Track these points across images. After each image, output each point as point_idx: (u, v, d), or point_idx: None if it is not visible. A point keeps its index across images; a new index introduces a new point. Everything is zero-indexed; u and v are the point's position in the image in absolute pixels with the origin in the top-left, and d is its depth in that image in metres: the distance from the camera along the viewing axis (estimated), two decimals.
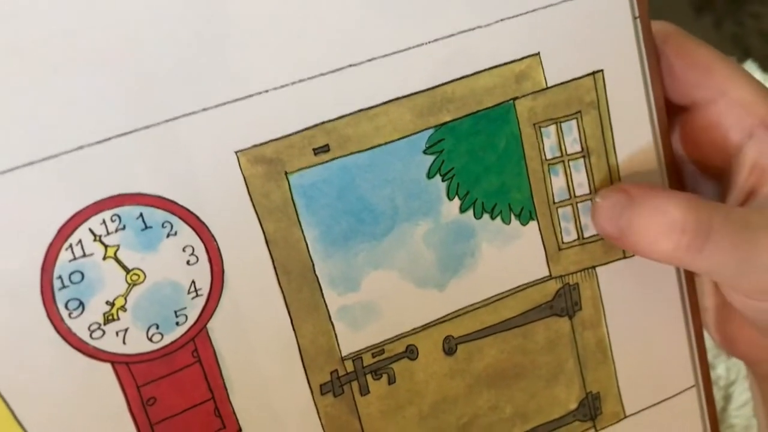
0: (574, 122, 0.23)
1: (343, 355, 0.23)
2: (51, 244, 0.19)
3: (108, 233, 0.20)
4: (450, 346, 0.24)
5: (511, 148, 0.23)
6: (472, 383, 0.24)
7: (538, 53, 0.22)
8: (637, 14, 0.23)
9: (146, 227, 0.20)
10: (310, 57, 0.20)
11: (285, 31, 0.20)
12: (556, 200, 0.24)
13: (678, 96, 0.24)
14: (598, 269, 0.25)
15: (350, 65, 0.21)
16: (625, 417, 0.26)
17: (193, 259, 0.20)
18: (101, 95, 0.19)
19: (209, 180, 0.20)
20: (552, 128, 0.23)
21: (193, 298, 0.21)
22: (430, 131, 0.22)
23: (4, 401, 0.19)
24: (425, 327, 0.23)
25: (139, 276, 0.20)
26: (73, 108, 0.19)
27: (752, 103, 0.23)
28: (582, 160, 0.24)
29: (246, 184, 0.20)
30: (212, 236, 0.20)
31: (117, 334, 0.20)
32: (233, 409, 0.22)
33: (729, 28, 0.63)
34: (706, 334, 0.27)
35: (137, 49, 0.19)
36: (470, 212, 0.23)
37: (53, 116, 0.19)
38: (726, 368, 0.48)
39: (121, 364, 0.20)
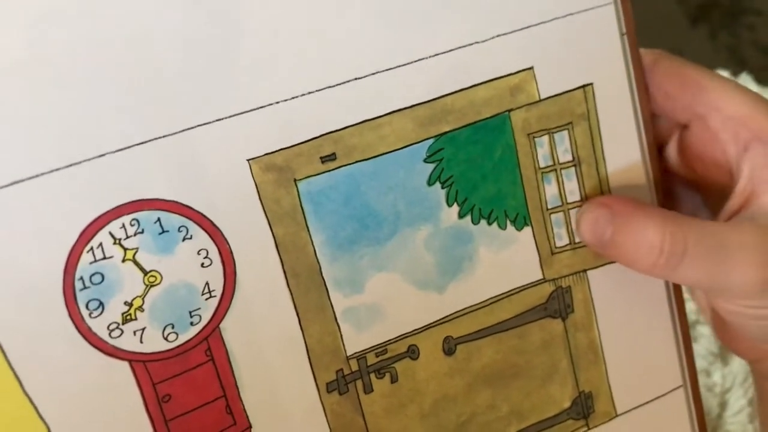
0: (565, 133, 0.25)
1: (348, 354, 0.24)
2: (73, 247, 0.20)
3: (127, 237, 0.21)
4: (449, 347, 0.25)
5: (507, 157, 0.24)
6: (470, 382, 0.25)
7: (532, 67, 0.24)
8: (624, 31, 0.25)
9: (163, 231, 0.21)
10: (318, 70, 0.22)
11: (294, 46, 0.21)
12: (549, 207, 0.25)
13: (675, 115, 0.25)
14: (588, 273, 0.26)
15: (355, 78, 0.22)
16: (617, 416, 0.27)
17: (207, 262, 0.21)
18: (122, 107, 0.20)
19: (223, 186, 0.21)
20: (545, 138, 0.24)
21: (206, 299, 0.22)
22: (431, 141, 0.23)
23: (28, 397, 0.20)
24: (426, 328, 0.24)
25: (156, 278, 0.21)
26: (95, 118, 0.20)
27: (746, 117, 0.24)
28: (573, 168, 0.25)
29: (257, 191, 0.22)
30: (225, 240, 0.21)
31: (135, 333, 0.21)
32: (244, 406, 0.23)
33: (724, 39, 0.64)
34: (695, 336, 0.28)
35: (156, 65, 0.20)
36: (468, 218, 0.24)
37: (77, 126, 0.20)
38: (722, 375, 0.49)
39: (139, 362, 0.21)
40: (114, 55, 0.20)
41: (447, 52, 0.23)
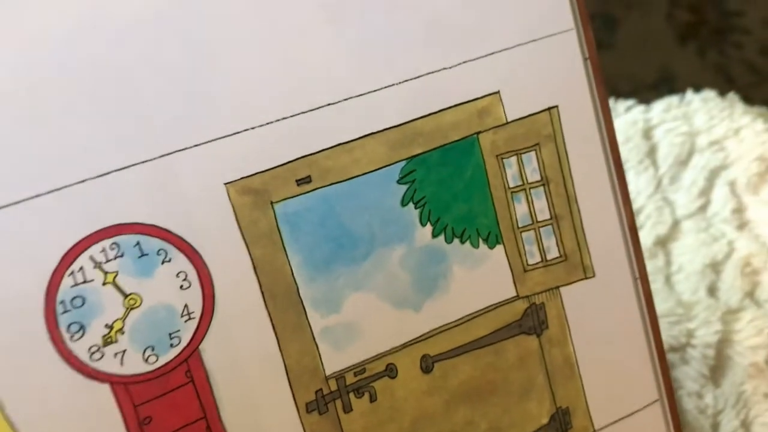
0: (533, 153, 0.25)
1: (327, 374, 0.24)
2: (55, 270, 0.21)
3: (107, 260, 0.21)
4: (427, 365, 0.25)
5: (477, 177, 0.25)
6: (448, 400, 0.26)
7: (498, 91, 0.25)
8: (587, 56, 0.26)
9: (143, 254, 0.21)
10: (292, 96, 0.22)
11: (268, 73, 0.22)
12: (519, 225, 0.26)
13: None
14: (561, 289, 0.26)
15: (329, 104, 0.23)
16: (594, 431, 0.28)
17: (186, 284, 0.22)
18: (101, 133, 0.21)
19: (201, 210, 0.22)
20: (513, 159, 0.25)
21: (186, 320, 0.22)
22: (403, 163, 0.24)
23: (9, 421, 0.21)
24: (403, 346, 0.25)
25: (136, 300, 0.21)
26: (75, 145, 0.20)
27: None
28: (542, 188, 0.26)
29: (235, 214, 0.22)
30: (204, 262, 0.22)
31: (115, 355, 0.21)
32: (224, 427, 0.23)
33: (713, 57, 0.65)
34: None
35: (134, 93, 0.21)
36: (442, 237, 0.25)
37: (58, 153, 0.20)
38: (714, 397, 0.49)
39: (119, 384, 0.22)
40: (93, 83, 0.20)
41: (416, 78, 0.24)
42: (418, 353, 0.25)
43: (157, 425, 0.22)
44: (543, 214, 0.26)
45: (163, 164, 0.21)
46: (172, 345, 0.22)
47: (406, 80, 0.24)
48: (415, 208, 0.24)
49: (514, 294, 0.26)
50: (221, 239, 0.22)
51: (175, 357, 0.22)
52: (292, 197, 0.23)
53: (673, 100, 0.48)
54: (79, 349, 0.21)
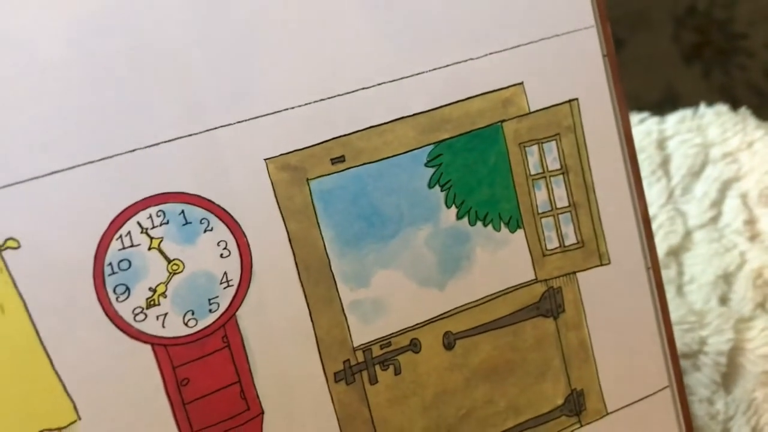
0: (553, 143, 0.27)
1: (355, 346, 0.25)
2: (104, 234, 0.22)
3: (153, 226, 0.22)
4: (449, 341, 0.26)
5: (500, 163, 0.26)
6: (469, 377, 0.27)
7: (522, 83, 0.26)
8: (605, 53, 0.27)
9: (187, 222, 0.23)
10: (329, 79, 0.24)
11: (307, 57, 0.23)
12: (539, 211, 0.27)
13: None
14: (578, 275, 0.28)
15: (363, 88, 0.24)
16: (607, 414, 0.29)
17: (226, 253, 0.23)
18: (152, 106, 0.22)
19: (242, 183, 0.23)
20: (535, 148, 0.27)
21: (224, 287, 0.23)
22: (431, 147, 0.25)
23: (57, 374, 0.22)
24: (427, 323, 0.26)
25: (178, 266, 0.23)
26: (127, 115, 0.22)
27: None
28: (561, 176, 0.27)
29: (273, 188, 0.24)
30: (243, 233, 0.23)
31: (157, 318, 0.23)
32: (257, 392, 0.24)
33: (717, 78, 0.66)
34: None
35: (185, 70, 0.22)
36: (465, 219, 0.26)
37: (110, 122, 0.22)
38: (725, 403, 0.50)
39: (160, 346, 0.23)
40: (149, 59, 0.22)
41: (445, 66, 0.25)
42: (440, 330, 0.26)
43: (194, 387, 0.23)
44: (562, 201, 0.27)
45: (208, 138, 0.23)
46: (210, 310, 0.23)
47: (436, 69, 0.25)
48: (441, 190, 0.26)
49: (533, 277, 0.27)
50: (260, 212, 0.23)
51: (214, 322, 0.23)
52: (326, 175, 0.24)
53: (686, 112, 0.50)
54: (124, 310, 0.22)
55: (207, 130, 0.23)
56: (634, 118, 0.50)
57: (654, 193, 0.47)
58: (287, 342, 0.24)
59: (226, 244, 0.23)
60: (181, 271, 0.23)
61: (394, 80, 0.25)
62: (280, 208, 0.24)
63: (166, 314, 0.23)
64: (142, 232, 0.22)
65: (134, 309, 0.22)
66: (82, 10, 0.21)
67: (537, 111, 0.26)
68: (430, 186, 0.25)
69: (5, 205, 0.21)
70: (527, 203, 0.27)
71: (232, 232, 0.23)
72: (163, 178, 0.22)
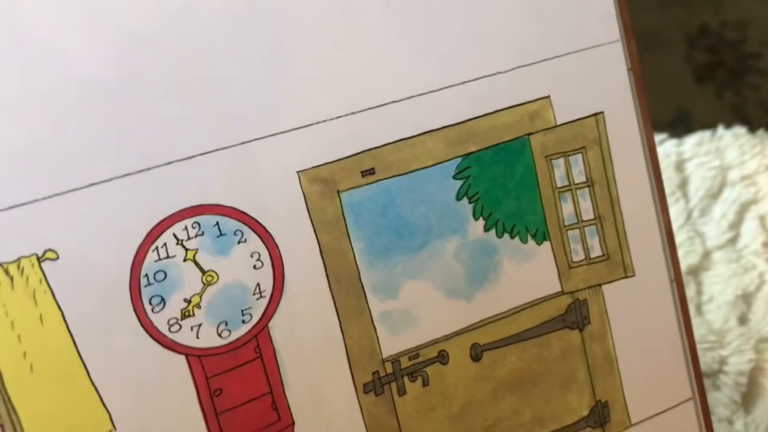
0: (579, 156, 0.27)
1: (384, 357, 0.25)
2: (140, 246, 0.22)
3: (189, 238, 0.23)
4: (476, 353, 0.26)
5: (527, 176, 0.26)
6: (496, 388, 0.27)
7: (548, 96, 0.26)
8: (630, 67, 0.27)
9: (221, 234, 0.23)
10: (360, 93, 0.24)
11: (338, 71, 0.24)
12: (565, 224, 0.27)
13: None
14: (603, 287, 0.28)
15: (393, 101, 0.25)
16: (631, 425, 0.29)
17: (259, 264, 0.23)
18: (189, 119, 0.22)
19: (275, 195, 0.23)
20: (561, 161, 0.27)
21: (257, 299, 0.23)
22: (459, 159, 0.26)
23: (94, 385, 0.22)
24: (455, 334, 0.26)
25: (213, 277, 0.23)
26: (164, 129, 0.22)
27: None
28: (587, 189, 0.27)
29: (305, 200, 0.24)
30: (276, 244, 0.23)
31: (192, 329, 0.23)
32: (288, 403, 0.24)
33: (729, 98, 0.67)
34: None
35: (221, 84, 0.23)
36: (493, 231, 0.26)
37: (148, 135, 0.22)
38: (744, 424, 0.50)
39: (194, 356, 0.23)
40: (187, 74, 0.22)
41: (473, 80, 0.25)
42: (468, 342, 0.26)
43: (227, 397, 0.23)
44: (588, 214, 0.27)
45: (242, 151, 0.23)
46: (243, 321, 0.23)
47: (464, 82, 0.25)
48: (469, 202, 0.26)
49: (559, 289, 0.27)
50: (292, 224, 0.24)
51: (246, 333, 0.23)
52: (357, 187, 0.24)
53: (705, 135, 0.50)
54: (159, 320, 0.22)
55: (241, 143, 0.23)
56: None
57: (672, 214, 0.48)
58: (318, 353, 0.24)
59: (259, 255, 0.23)
60: (215, 282, 0.23)
61: (423, 93, 0.25)
62: (311, 219, 0.24)
63: (200, 325, 0.23)
64: (177, 244, 0.22)
65: (169, 320, 0.23)
66: (121, 29, 0.21)
67: (563, 124, 0.27)
68: (459, 198, 0.26)
69: (45, 216, 0.21)
70: (553, 216, 0.27)
71: (265, 244, 0.23)
72: (198, 190, 0.23)
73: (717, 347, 0.41)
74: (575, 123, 0.27)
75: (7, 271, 0.21)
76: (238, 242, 0.23)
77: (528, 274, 0.27)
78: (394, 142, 0.25)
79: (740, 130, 0.51)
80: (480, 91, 0.25)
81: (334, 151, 0.24)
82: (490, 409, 0.27)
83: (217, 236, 0.23)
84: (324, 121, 0.24)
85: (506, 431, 0.27)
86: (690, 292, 0.45)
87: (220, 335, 0.23)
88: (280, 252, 0.24)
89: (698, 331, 0.42)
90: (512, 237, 0.26)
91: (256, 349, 0.24)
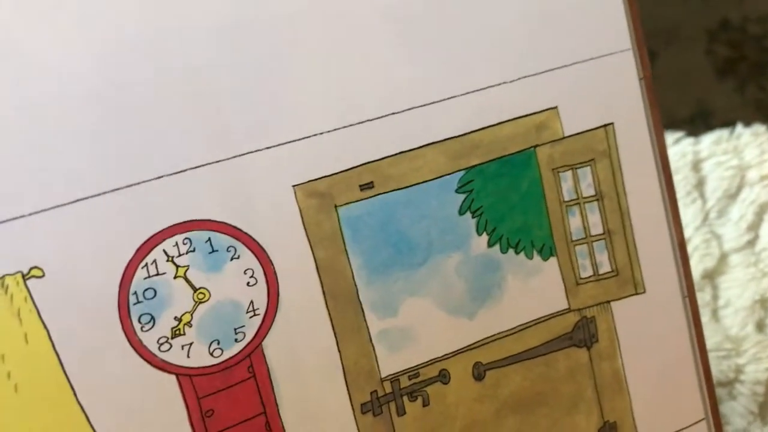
0: (588, 169, 0.26)
1: (383, 376, 0.24)
2: (129, 263, 0.21)
3: (179, 254, 0.22)
4: (479, 372, 0.26)
5: (533, 190, 0.26)
6: (499, 408, 0.26)
7: (556, 107, 0.25)
8: (641, 75, 0.26)
9: (213, 250, 0.22)
10: (358, 104, 0.23)
11: (336, 82, 0.23)
12: (573, 238, 0.26)
13: None
14: (612, 304, 0.27)
15: (393, 113, 0.24)
16: None
17: (252, 281, 0.23)
18: (179, 132, 0.22)
19: (269, 210, 0.23)
20: (569, 173, 0.26)
21: (251, 317, 0.23)
22: (461, 173, 0.25)
23: (80, 406, 0.21)
24: (456, 353, 0.25)
25: (204, 294, 0.22)
26: (154, 142, 0.21)
27: None
28: (596, 203, 0.26)
29: (301, 215, 0.23)
30: (270, 260, 0.23)
31: (182, 347, 0.22)
32: (282, 423, 0.23)
33: (752, 92, 0.65)
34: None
35: (213, 96, 0.22)
36: (497, 247, 0.25)
37: (136, 149, 0.21)
38: None
39: (185, 376, 0.22)
40: (178, 86, 0.21)
41: (477, 90, 0.24)
42: (470, 360, 0.25)
43: (218, 418, 0.23)
44: (596, 228, 0.26)
45: (236, 164, 0.22)
46: (236, 340, 0.23)
47: (468, 93, 0.24)
48: (472, 217, 0.25)
49: (566, 306, 0.26)
50: (287, 239, 0.23)
51: (239, 352, 0.23)
52: (355, 201, 0.24)
53: (723, 133, 0.49)
54: (149, 339, 0.22)
55: (234, 157, 0.22)
56: (669, 138, 0.49)
57: (689, 215, 0.46)
58: (314, 372, 0.24)
59: (253, 272, 0.23)
60: (207, 300, 0.22)
61: (424, 105, 0.24)
62: (307, 235, 0.23)
63: (191, 344, 0.22)
64: (167, 261, 0.22)
65: (159, 339, 0.22)
66: (108, 40, 0.21)
67: (571, 136, 0.26)
68: (461, 213, 0.25)
69: (30, 233, 0.20)
70: (560, 230, 0.26)
71: (259, 260, 0.23)
72: (189, 205, 0.22)
73: (733, 355, 0.39)
74: (584, 134, 0.26)
75: None
76: (231, 258, 0.22)
77: (533, 290, 0.26)
78: (393, 155, 0.24)
79: (760, 128, 0.50)
80: (484, 102, 0.25)
81: (332, 164, 0.23)
82: (493, 430, 0.26)
83: (209, 252, 0.22)
84: (321, 133, 0.23)
85: None
86: (706, 296, 0.44)
87: (212, 354, 0.22)
88: (274, 268, 0.23)
89: (714, 338, 0.41)
90: (517, 252, 0.26)
91: (249, 368, 0.23)
